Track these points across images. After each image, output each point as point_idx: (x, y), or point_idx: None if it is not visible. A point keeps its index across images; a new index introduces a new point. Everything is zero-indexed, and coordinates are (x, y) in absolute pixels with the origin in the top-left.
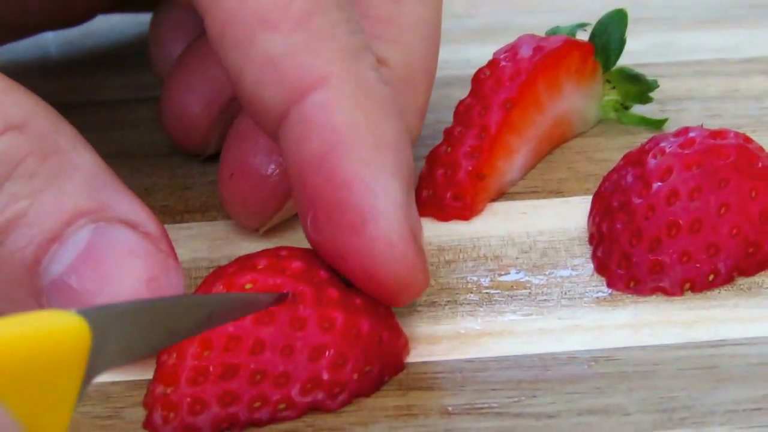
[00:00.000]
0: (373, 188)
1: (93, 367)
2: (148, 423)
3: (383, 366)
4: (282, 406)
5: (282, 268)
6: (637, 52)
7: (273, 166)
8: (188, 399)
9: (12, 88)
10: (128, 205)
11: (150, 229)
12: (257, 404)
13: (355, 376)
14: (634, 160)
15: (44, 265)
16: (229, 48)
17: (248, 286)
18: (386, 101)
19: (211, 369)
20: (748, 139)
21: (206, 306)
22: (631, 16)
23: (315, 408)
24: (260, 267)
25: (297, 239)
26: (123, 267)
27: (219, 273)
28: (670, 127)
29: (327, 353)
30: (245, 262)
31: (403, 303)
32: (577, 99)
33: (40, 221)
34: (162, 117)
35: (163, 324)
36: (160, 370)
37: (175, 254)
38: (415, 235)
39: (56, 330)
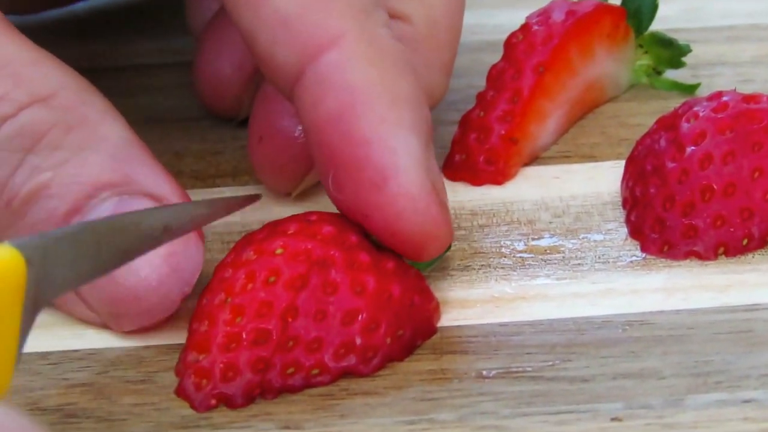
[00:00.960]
0: (392, 144)
1: (36, 297)
2: (180, 390)
3: (415, 330)
4: (315, 371)
5: (312, 232)
6: (669, 17)
7: (300, 128)
8: (221, 366)
9: (41, 60)
10: (154, 179)
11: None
12: (290, 370)
13: (388, 340)
14: (668, 124)
15: None
16: (241, 8)
17: (279, 251)
18: (399, 57)
19: (243, 335)
20: None
21: (159, 220)
22: None
23: (348, 373)
24: (290, 232)
25: (328, 204)
26: None
27: (249, 239)
28: (703, 92)
29: (359, 317)
30: (275, 228)
31: (429, 257)
32: (610, 63)
33: (63, 194)
34: (194, 80)
35: (112, 244)
36: (191, 338)
37: (200, 229)
38: (437, 189)
39: None
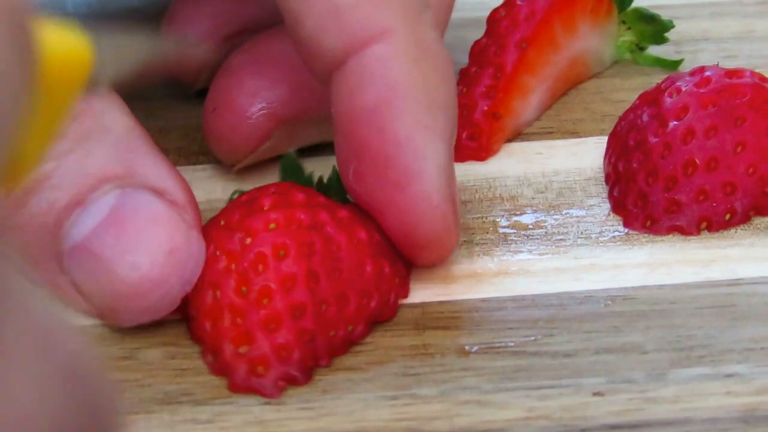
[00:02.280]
0: (422, 149)
1: (94, 80)
2: (238, 385)
3: (405, 265)
4: (350, 327)
5: (289, 202)
6: None
7: (255, 108)
8: (271, 349)
9: None
10: (157, 171)
11: (177, 197)
12: (332, 332)
13: (397, 280)
14: (650, 99)
15: (66, 229)
16: None
17: (272, 226)
18: (443, 62)
19: (281, 314)
20: (764, 78)
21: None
22: None
23: (375, 320)
24: (268, 207)
25: (266, 179)
26: (145, 235)
27: (226, 225)
28: (686, 68)
29: (367, 267)
30: (251, 207)
31: (430, 263)
32: (593, 39)
33: (64, 185)
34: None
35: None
36: (222, 332)
37: (200, 224)
38: (453, 198)
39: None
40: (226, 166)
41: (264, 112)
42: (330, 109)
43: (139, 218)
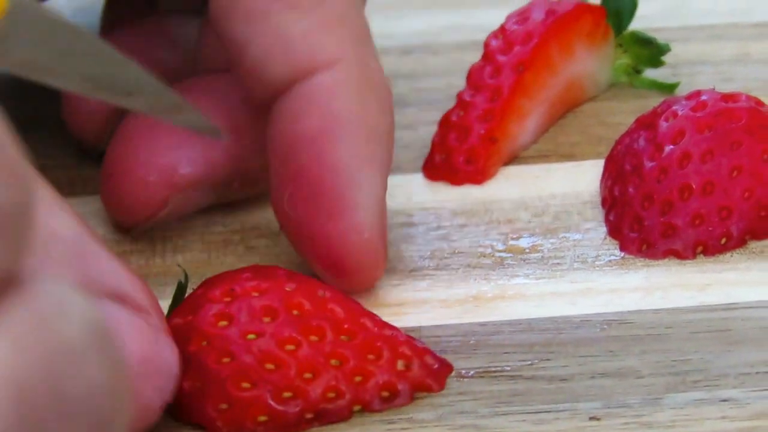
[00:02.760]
0: (359, 180)
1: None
2: None
3: None
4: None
5: (268, 274)
6: (649, 15)
7: (150, 177)
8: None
9: None
10: (114, 276)
11: (140, 301)
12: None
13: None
14: (647, 123)
15: None
16: (238, 19)
17: (295, 312)
18: (385, 94)
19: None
20: (760, 102)
21: (136, 75)
22: None
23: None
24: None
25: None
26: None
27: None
28: (682, 91)
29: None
30: (234, 292)
31: (351, 290)
32: (590, 62)
33: None
34: (62, 108)
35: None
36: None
37: (165, 326)
38: (383, 230)
39: None
40: (124, 228)
41: (159, 180)
42: (266, 137)
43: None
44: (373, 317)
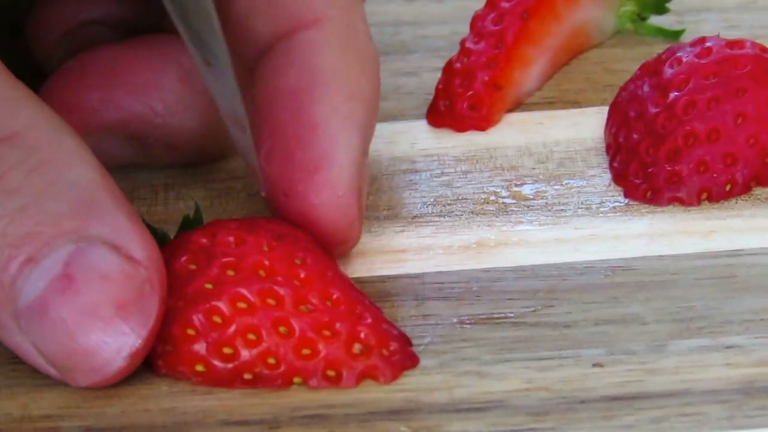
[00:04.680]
0: (336, 137)
1: None
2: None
3: None
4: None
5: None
6: None
7: (69, 113)
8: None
9: (12, 97)
10: (116, 226)
11: (135, 253)
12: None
13: None
14: (651, 70)
15: (19, 288)
16: None
17: (261, 272)
18: (371, 57)
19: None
20: (765, 49)
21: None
22: None
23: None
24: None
25: None
26: (94, 292)
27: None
28: (687, 39)
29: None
30: (214, 239)
31: (331, 250)
32: (594, 9)
33: (17, 242)
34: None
35: None
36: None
37: (161, 280)
38: (361, 193)
39: None
40: None
41: (75, 119)
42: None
43: (90, 274)
44: (349, 293)
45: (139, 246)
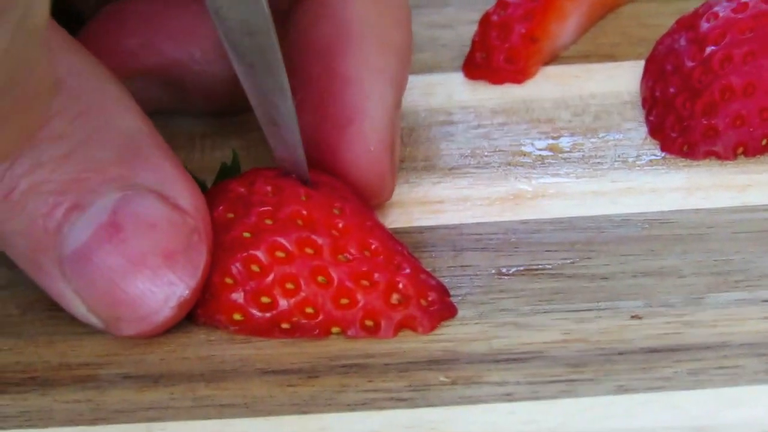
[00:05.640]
0: (367, 90)
1: None
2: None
3: None
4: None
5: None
6: None
7: (109, 58)
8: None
9: (61, 47)
10: (162, 175)
11: (181, 201)
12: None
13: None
14: (688, 24)
15: (65, 234)
16: None
17: (299, 222)
18: (402, 8)
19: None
20: None
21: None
22: None
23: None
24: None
25: None
26: (142, 240)
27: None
28: None
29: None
30: (252, 188)
31: (366, 201)
32: None
33: (62, 188)
34: None
35: None
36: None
37: (207, 230)
38: (393, 147)
39: None
40: None
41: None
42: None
43: (138, 222)
44: (387, 243)
45: (186, 195)
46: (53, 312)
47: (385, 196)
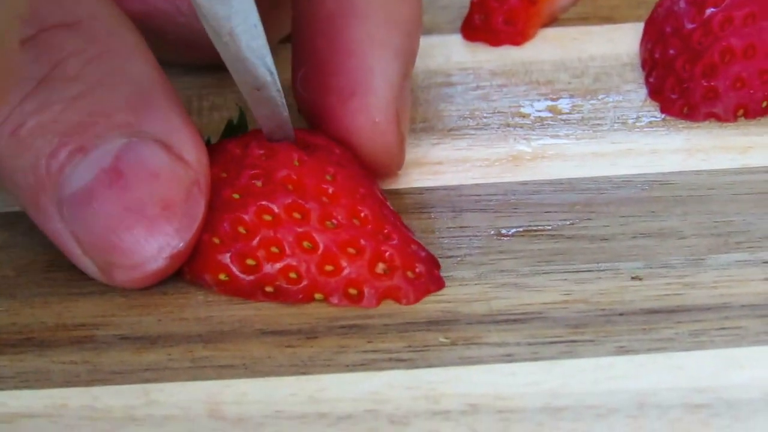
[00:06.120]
0: (371, 62)
1: None
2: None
3: None
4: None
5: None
6: None
7: None
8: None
9: None
10: (168, 125)
11: (185, 153)
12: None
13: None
14: None
15: (66, 176)
16: None
17: (289, 186)
18: None
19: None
20: None
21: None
22: None
23: None
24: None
25: None
26: (142, 188)
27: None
28: None
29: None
30: (247, 149)
31: (374, 173)
32: None
33: (69, 130)
34: None
35: None
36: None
37: (207, 184)
38: (400, 119)
39: None
40: None
41: None
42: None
43: (140, 170)
44: (378, 213)
45: (191, 147)
46: (49, 273)
47: (394, 167)
